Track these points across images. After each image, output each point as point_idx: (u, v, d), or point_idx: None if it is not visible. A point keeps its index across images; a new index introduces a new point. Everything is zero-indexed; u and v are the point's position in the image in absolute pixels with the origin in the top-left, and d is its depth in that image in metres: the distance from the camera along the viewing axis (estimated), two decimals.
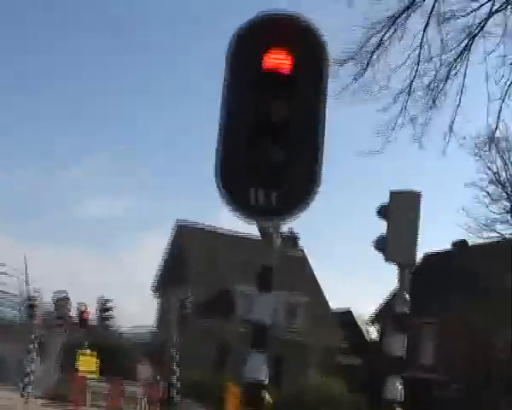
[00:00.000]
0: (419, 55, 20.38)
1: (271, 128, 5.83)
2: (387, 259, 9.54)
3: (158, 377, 29.61)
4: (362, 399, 37.63)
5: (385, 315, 57.04)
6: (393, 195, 9.61)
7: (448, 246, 59.23)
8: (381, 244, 9.60)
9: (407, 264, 9.60)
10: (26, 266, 58.71)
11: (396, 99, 20.62)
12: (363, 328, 68.44)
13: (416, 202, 9.58)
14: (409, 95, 20.70)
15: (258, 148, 5.81)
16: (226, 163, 5.89)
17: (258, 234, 6.01)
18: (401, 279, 9.63)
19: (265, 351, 5.87)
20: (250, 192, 5.72)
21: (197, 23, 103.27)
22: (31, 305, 36.39)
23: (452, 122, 20.93)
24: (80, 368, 28.22)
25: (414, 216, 9.51)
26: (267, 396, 6.04)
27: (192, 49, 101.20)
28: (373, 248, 9.72)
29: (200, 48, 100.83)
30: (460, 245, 56.76)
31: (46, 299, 36.32)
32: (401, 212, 9.51)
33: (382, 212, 9.67)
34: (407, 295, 9.64)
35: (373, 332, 66.66)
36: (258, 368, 5.81)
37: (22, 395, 31.96)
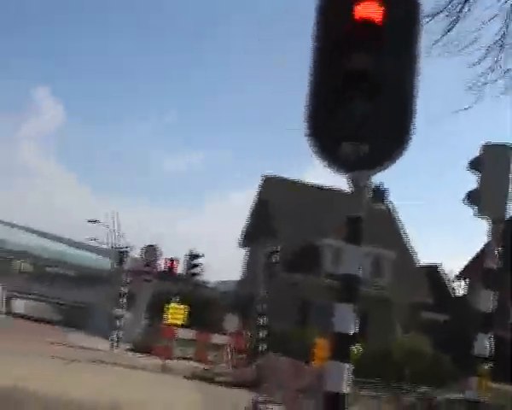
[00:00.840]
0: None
1: (362, 80, 5.77)
2: (479, 213, 9.40)
3: (244, 329, 29.92)
4: (446, 356, 37.37)
5: (473, 271, 56.34)
6: (487, 148, 9.43)
7: None
8: (474, 198, 9.45)
9: (498, 218, 9.44)
10: (117, 219, 59.89)
11: (488, 53, 20.08)
12: (450, 284, 67.73)
13: (510, 156, 9.37)
14: (501, 48, 20.14)
15: (349, 100, 5.76)
16: (317, 116, 5.87)
17: (347, 187, 6.00)
18: (492, 234, 9.48)
19: (354, 304, 5.88)
20: (340, 145, 5.71)
21: None
22: (121, 252, 37.20)
23: None
24: (169, 319, 28.67)
25: (507, 170, 9.31)
26: (355, 348, 6.07)
27: None
28: (464, 202, 9.58)
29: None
30: None
31: (135, 252, 37.11)
32: (494, 165, 9.33)
33: (475, 165, 9.50)
34: (497, 251, 9.50)
35: (460, 288, 65.91)
36: (347, 320, 5.82)
37: (111, 344, 32.73)
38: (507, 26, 19.86)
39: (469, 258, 61.29)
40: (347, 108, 5.72)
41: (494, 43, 20.06)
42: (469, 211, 9.67)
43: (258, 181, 59.25)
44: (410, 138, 5.67)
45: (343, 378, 5.77)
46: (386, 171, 5.83)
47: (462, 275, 62.51)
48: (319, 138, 5.80)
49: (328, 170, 5.83)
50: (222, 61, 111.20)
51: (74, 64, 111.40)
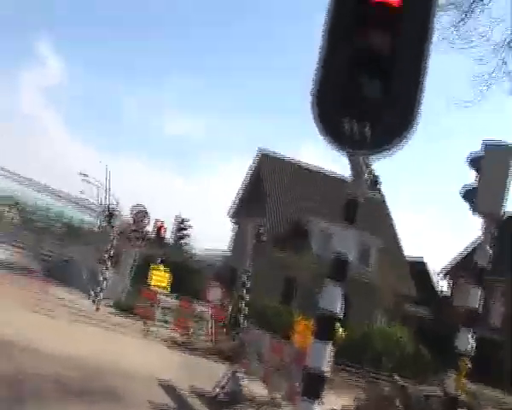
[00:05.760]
0: None
1: (373, 60, 5.71)
2: (475, 210, 9.35)
3: (227, 301, 29.95)
4: (426, 349, 37.48)
5: (459, 269, 56.48)
6: (487, 146, 9.38)
7: None
8: (470, 195, 9.41)
9: (494, 218, 9.40)
10: (109, 176, 59.58)
11: (495, 51, 20.00)
12: (435, 280, 67.96)
13: (510, 156, 9.33)
14: (508, 48, 20.06)
15: (358, 79, 5.71)
16: (324, 92, 5.81)
17: (342, 171, 5.96)
18: (485, 233, 9.45)
19: (343, 285, 5.85)
20: (345, 123, 5.64)
21: None
22: (110, 213, 37.06)
23: None
24: (152, 282, 28.65)
25: (506, 170, 9.27)
26: (340, 329, 6.04)
27: None
28: (460, 197, 9.54)
29: None
30: None
31: (124, 211, 36.93)
32: (494, 164, 9.27)
33: (474, 161, 9.45)
34: (489, 250, 9.47)
35: (444, 285, 66.14)
36: (334, 300, 5.79)
37: (93, 302, 32.70)
38: None
39: (453, 258, 61.57)
40: (356, 86, 5.66)
41: (502, 42, 20.00)
42: (458, 212, 9.65)
43: (254, 155, 59.32)
44: (416, 125, 5.62)
45: (325, 359, 5.74)
46: (387, 157, 5.78)
47: (448, 273, 62.74)
48: (324, 114, 5.73)
49: (329, 149, 5.77)
50: (228, 32, 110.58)
51: (77, 23, 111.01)
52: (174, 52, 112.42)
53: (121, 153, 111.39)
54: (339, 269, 5.89)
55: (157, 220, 35.36)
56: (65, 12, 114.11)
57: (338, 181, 43.88)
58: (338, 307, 5.79)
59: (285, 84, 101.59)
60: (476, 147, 9.67)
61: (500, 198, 9.30)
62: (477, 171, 9.46)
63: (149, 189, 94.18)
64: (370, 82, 5.69)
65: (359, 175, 5.90)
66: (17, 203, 73.59)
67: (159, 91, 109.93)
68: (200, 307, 28.49)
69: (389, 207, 60.27)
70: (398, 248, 57.46)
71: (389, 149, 5.66)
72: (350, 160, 5.84)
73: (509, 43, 19.98)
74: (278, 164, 57.34)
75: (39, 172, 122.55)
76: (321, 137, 5.70)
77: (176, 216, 33.74)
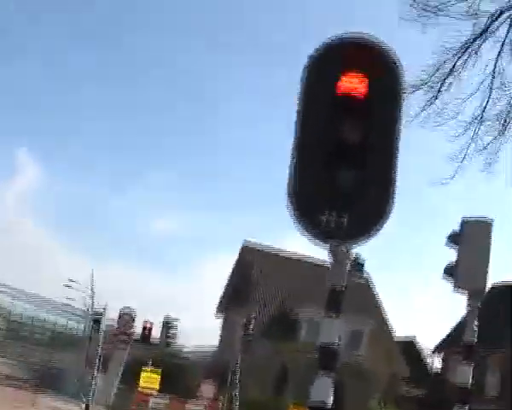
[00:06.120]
0: (491, 83, 20.04)
1: (345, 151, 5.79)
2: (457, 286, 9.40)
3: (219, 397, 29.66)
4: None
5: (449, 345, 56.26)
6: (466, 222, 9.48)
7: None
8: (451, 271, 9.47)
9: (477, 292, 9.44)
10: (93, 282, 59.39)
11: (467, 127, 20.27)
12: (427, 358, 67.56)
13: (489, 231, 9.43)
14: (480, 123, 20.35)
15: (332, 171, 5.78)
16: (298, 185, 5.86)
17: (326, 258, 5.97)
18: (470, 308, 9.48)
19: (332, 375, 5.83)
20: (322, 215, 5.69)
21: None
22: (96, 320, 36.86)
23: None
24: (142, 384, 28.35)
25: (486, 244, 9.35)
26: None
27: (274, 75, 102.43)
28: (442, 275, 9.58)
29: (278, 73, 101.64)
30: None
31: (112, 314, 36.72)
32: (473, 239, 9.37)
33: (453, 239, 9.54)
34: (475, 325, 9.49)
35: (436, 363, 65.74)
36: (325, 391, 5.76)
37: (86, 407, 32.26)
38: (487, 102, 20.12)
39: (445, 333, 61.38)
40: (329, 177, 5.73)
41: (474, 118, 20.30)
42: (444, 287, 9.69)
43: (239, 247, 59.32)
44: (392, 211, 5.68)
45: None
46: (366, 243, 5.82)
47: (438, 350, 62.46)
48: (299, 207, 5.78)
49: (307, 239, 5.81)
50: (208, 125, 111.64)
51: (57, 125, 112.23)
52: (146, 148, 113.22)
53: (105, 255, 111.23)
54: (327, 359, 5.87)
55: (145, 322, 35.21)
56: (41, 120, 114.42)
57: (324, 268, 43.77)
58: (329, 398, 5.76)
59: (266, 173, 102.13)
60: (454, 224, 9.77)
61: (481, 272, 9.37)
62: (457, 247, 9.53)
63: (137, 289, 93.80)
64: (344, 172, 5.77)
65: (339, 264, 5.93)
66: (2, 312, 72.86)
67: (135, 190, 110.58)
68: (192, 405, 28.15)
69: (376, 288, 60.20)
70: (388, 329, 57.26)
71: (366, 238, 5.72)
72: (328, 250, 5.88)
73: (478, 119, 20.28)
74: (263, 255, 57.38)
75: (24, 280, 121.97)
76: (298, 230, 5.75)
77: (164, 316, 33.56)
